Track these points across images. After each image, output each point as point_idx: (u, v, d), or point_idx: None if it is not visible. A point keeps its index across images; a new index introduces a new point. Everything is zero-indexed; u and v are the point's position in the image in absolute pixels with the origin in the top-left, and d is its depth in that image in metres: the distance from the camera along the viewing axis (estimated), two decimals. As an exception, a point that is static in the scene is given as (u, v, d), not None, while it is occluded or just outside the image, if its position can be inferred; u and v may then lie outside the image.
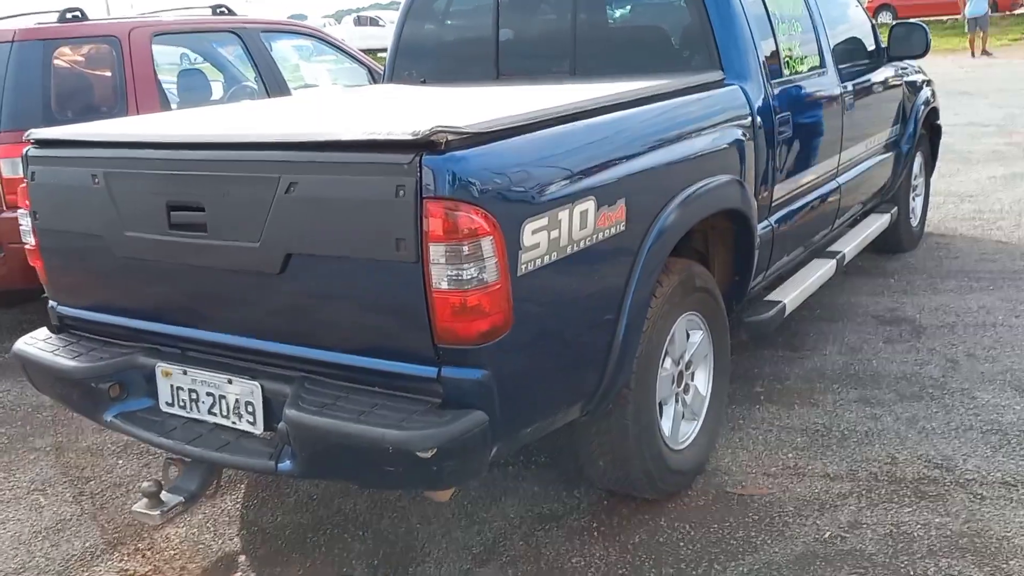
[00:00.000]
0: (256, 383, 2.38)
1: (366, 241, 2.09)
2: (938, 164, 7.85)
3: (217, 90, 5.99)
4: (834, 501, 2.92)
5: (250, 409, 2.41)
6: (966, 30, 20.84)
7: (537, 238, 2.15)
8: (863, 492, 2.96)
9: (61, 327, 2.90)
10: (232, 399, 2.44)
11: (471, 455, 2.10)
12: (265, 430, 2.40)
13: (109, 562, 2.88)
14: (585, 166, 2.33)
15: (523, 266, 2.12)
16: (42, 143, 2.79)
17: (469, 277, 2.01)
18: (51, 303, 2.93)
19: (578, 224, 2.28)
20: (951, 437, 3.28)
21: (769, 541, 2.73)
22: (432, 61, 4.01)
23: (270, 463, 2.29)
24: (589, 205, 2.31)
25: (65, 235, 2.75)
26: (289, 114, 3.24)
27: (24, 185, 2.81)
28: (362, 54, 6.61)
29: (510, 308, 2.09)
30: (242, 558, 2.89)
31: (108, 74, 4.94)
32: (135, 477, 3.44)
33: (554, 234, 2.20)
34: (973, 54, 20.14)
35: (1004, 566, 2.53)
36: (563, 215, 2.22)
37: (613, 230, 2.41)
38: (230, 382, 2.43)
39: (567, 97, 2.57)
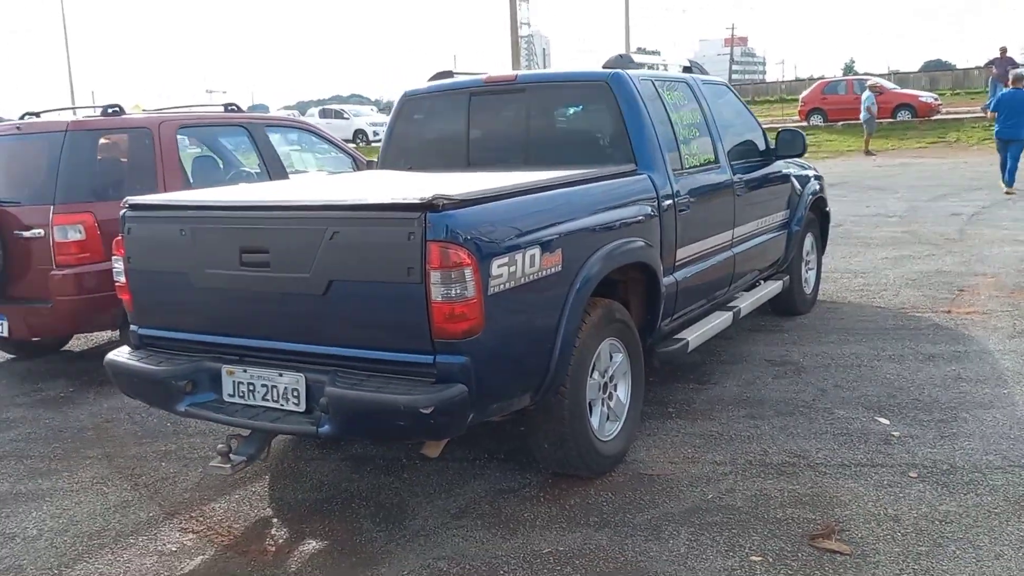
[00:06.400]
0: (301, 375, 3.36)
1: (386, 270, 3.12)
2: (841, 247, 9.19)
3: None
4: (718, 477, 3.94)
5: (296, 394, 3.38)
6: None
7: (501, 270, 3.20)
8: (740, 471, 3.99)
9: (140, 344, 3.86)
10: (282, 387, 3.41)
11: (456, 414, 3.10)
12: (306, 409, 3.37)
13: (171, 524, 3.78)
14: (534, 225, 3.42)
15: (491, 288, 3.16)
16: (135, 207, 3.79)
17: (455, 293, 3.05)
18: (132, 326, 3.89)
19: (528, 263, 3.34)
20: (810, 438, 4.33)
21: (668, 501, 3.74)
22: (416, 153, 5.12)
23: (313, 427, 3.26)
24: (536, 251, 3.38)
25: (153, 273, 3.73)
26: (323, 188, 4.30)
27: (120, 237, 3.80)
28: (348, 145, 7.73)
29: (482, 316, 3.12)
30: (275, 520, 3.81)
31: (142, 158, 5.96)
32: (178, 474, 4.33)
33: (512, 269, 3.26)
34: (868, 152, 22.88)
35: (830, 511, 3.56)
36: (518, 256, 3.29)
37: (553, 270, 3.48)
38: (281, 375, 3.41)
39: (522, 179, 3.67)
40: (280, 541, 3.61)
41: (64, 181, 5.56)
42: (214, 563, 3.45)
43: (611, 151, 4.54)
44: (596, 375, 3.92)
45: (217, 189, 4.66)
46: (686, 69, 5.51)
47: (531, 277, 3.36)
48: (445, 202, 3.05)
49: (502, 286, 3.22)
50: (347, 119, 34.38)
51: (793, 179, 6.38)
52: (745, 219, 5.44)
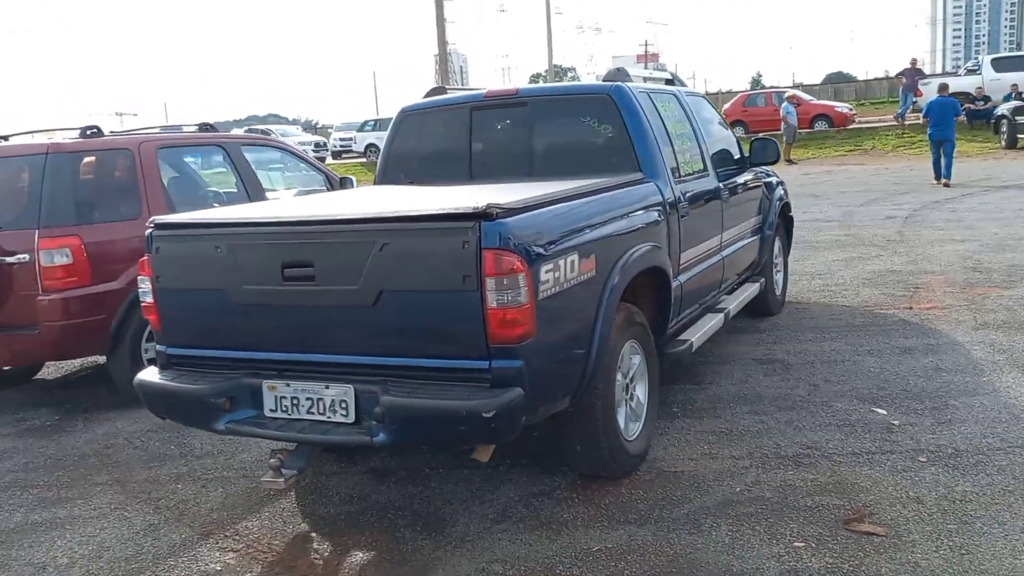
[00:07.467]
0: (350, 386, 3.38)
1: (440, 278, 3.18)
2: (792, 251, 9.54)
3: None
4: (740, 471, 4.10)
5: (344, 406, 3.40)
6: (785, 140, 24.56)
7: (548, 276, 3.30)
8: (759, 465, 4.15)
9: (168, 364, 3.81)
10: (328, 400, 3.42)
11: (514, 417, 3.17)
12: (355, 420, 3.39)
13: (208, 544, 3.74)
14: (573, 232, 3.53)
15: (541, 294, 3.26)
16: (162, 226, 3.76)
17: (510, 299, 3.13)
18: (159, 346, 3.84)
19: (569, 268, 3.45)
20: (817, 430, 4.54)
21: (699, 495, 3.87)
22: (417, 167, 5.18)
23: (367, 437, 3.29)
24: (575, 256, 3.49)
25: (184, 292, 3.70)
26: (363, 201, 4.29)
27: (146, 257, 3.76)
28: (321, 164, 7.72)
29: (534, 320, 3.21)
30: (314, 535, 3.80)
31: (124, 180, 5.86)
32: (198, 495, 4.28)
33: (556, 274, 3.36)
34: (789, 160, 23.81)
35: (856, 497, 3.74)
36: (561, 262, 3.39)
37: (589, 275, 3.60)
38: (327, 387, 3.42)
39: (544, 190, 3.76)
40: (326, 555, 3.61)
41: (48, 204, 5.43)
42: (264, 580, 3.44)
43: (615, 161, 4.68)
44: (620, 376, 4.04)
45: (253, 205, 4.65)
46: (668, 82, 5.71)
47: (572, 282, 3.47)
48: (498, 211, 3.14)
49: (549, 291, 3.31)
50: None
51: (763, 186, 6.65)
52: (730, 224, 5.66)
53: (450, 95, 5.30)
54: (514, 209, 3.24)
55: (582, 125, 4.86)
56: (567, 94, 4.96)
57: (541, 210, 3.42)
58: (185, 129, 6.96)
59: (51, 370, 6.92)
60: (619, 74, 4.90)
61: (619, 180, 4.29)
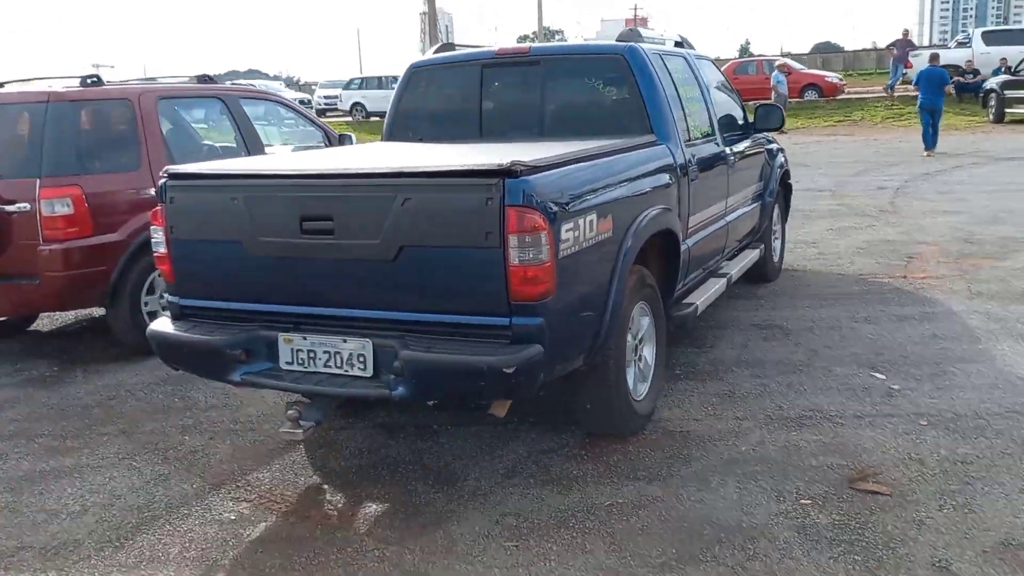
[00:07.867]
0: (368, 340, 3.39)
1: (462, 234, 3.18)
2: (789, 217, 9.58)
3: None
4: (745, 432, 4.16)
5: (362, 360, 3.41)
6: None
7: (568, 235, 3.31)
8: (763, 425, 4.22)
9: (181, 315, 3.80)
10: (346, 354, 3.43)
11: (533, 374, 3.20)
12: (373, 374, 3.40)
13: (220, 494, 3.76)
14: (591, 192, 3.53)
15: (561, 252, 3.27)
16: (176, 176, 3.72)
17: (532, 257, 3.14)
18: (172, 297, 3.83)
19: (588, 228, 3.46)
20: (818, 393, 4.61)
21: (705, 455, 3.94)
22: (426, 124, 5.15)
23: (386, 391, 3.31)
24: (594, 216, 3.50)
25: (198, 243, 3.67)
26: (385, 156, 4.27)
27: (160, 207, 3.73)
28: (319, 119, 7.65)
29: (554, 279, 3.23)
30: (326, 487, 3.84)
31: (125, 129, 5.78)
32: (206, 446, 4.30)
33: (576, 233, 3.37)
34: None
35: (859, 458, 3.82)
36: (581, 221, 3.40)
37: (606, 235, 3.61)
38: (345, 341, 3.43)
39: (558, 150, 3.75)
40: (340, 506, 3.65)
41: (49, 153, 5.36)
42: (280, 529, 3.47)
43: (627, 122, 4.68)
44: (630, 337, 4.07)
45: (269, 157, 4.61)
46: (678, 44, 5.69)
47: (590, 242, 3.49)
48: (522, 168, 3.13)
49: (569, 250, 3.33)
50: (259, 94, 33.35)
51: (766, 152, 6.67)
52: (735, 190, 5.68)
53: (460, 52, 5.25)
54: (537, 167, 3.24)
55: (594, 85, 4.84)
56: (580, 53, 4.94)
57: (563, 169, 3.42)
58: (160, 82, 6.86)
59: (45, 322, 6.88)
60: (632, 34, 4.88)
61: (633, 142, 4.29)
